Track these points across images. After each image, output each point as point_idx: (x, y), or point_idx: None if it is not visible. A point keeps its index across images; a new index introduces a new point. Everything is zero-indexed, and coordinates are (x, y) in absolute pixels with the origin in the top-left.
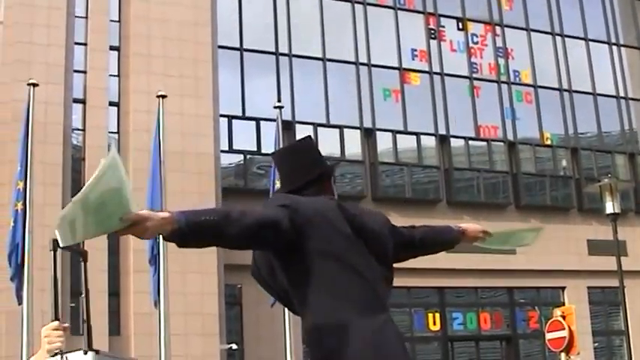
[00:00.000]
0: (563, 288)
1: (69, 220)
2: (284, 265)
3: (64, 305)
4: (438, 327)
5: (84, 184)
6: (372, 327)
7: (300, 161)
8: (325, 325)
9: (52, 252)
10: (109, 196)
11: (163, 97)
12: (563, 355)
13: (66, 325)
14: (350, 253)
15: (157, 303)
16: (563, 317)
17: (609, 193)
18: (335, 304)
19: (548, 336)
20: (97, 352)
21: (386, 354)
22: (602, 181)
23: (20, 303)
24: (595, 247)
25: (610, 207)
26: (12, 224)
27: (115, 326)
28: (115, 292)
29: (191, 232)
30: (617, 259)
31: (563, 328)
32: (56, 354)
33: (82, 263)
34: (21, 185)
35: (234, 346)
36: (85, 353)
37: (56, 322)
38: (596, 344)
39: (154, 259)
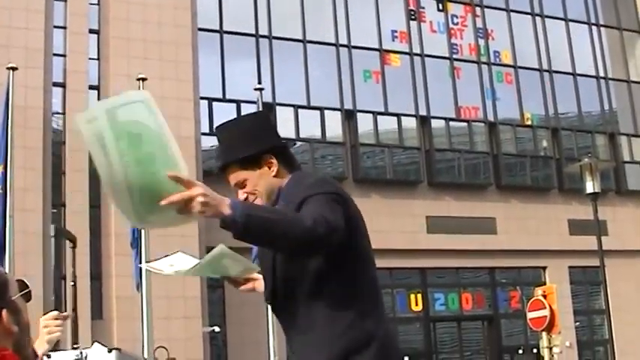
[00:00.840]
0: (544, 268)
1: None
2: (327, 266)
3: (46, 291)
4: (420, 307)
5: (64, 169)
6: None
7: (264, 126)
8: (386, 334)
9: (54, 239)
10: (149, 136)
11: (143, 80)
12: (544, 334)
13: (65, 314)
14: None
15: (139, 286)
16: (544, 296)
17: (589, 172)
18: (381, 309)
19: (530, 315)
20: (119, 350)
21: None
22: (582, 160)
23: None
24: (576, 227)
25: (590, 187)
26: None
27: (98, 310)
28: (96, 276)
29: (251, 223)
30: (597, 238)
31: (544, 308)
32: (75, 348)
33: (72, 249)
34: (0, 169)
35: (217, 329)
36: (110, 352)
37: (55, 312)
38: (577, 323)
39: (136, 242)
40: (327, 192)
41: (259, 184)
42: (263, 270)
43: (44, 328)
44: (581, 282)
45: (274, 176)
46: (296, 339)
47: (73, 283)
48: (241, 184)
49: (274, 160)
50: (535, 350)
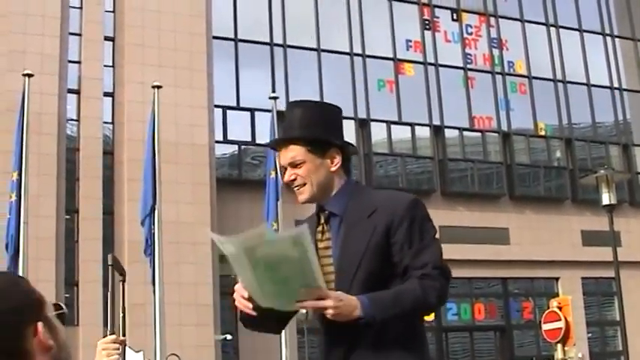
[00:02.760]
0: (557, 278)
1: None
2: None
3: (58, 296)
4: (432, 317)
5: (78, 176)
6: None
7: (341, 122)
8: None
9: (110, 267)
10: (287, 264)
11: (158, 87)
12: (559, 346)
13: (123, 338)
14: None
15: (153, 293)
16: (560, 308)
17: (605, 184)
18: None
19: (545, 327)
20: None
21: None
22: (597, 172)
23: None
24: (589, 238)
25: (606, 198)
26: (7, 216)
27: (110, 316)
28: (109, 283)
29: (382, 321)
30: (613, 250)
31: (560, 319)
32: None
33: (122, 283)
34: (15, 176)
35: (229, 337)
36: (137, 352)
37: (113, 336)
38: (589, 334)
39: (150, 250)
40: (429, 219)
41: (315, 173)
42: (338, 278)
43: (103, 350)
44: (593, 293)
45: (332, 172)
46: (361, 354)
47: (123, 315)
48: (296, 165)
49: (339, 158)
50: None
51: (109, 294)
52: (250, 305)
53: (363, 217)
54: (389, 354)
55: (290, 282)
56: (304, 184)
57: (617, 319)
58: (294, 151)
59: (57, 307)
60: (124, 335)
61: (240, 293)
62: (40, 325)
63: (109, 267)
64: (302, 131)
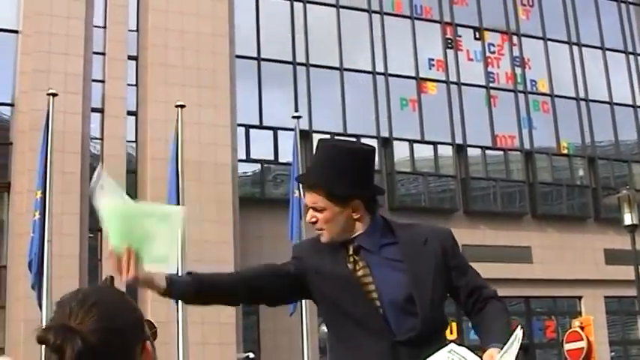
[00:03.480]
0: (580, 297)
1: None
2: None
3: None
4: (454, 336)
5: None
6: None
7: (368, 168)
8: None
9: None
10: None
11: (182, 107)
12: None
13: None
14: None
15: (176, 311)
16: (582, 328)
17: (627, 204)
18: None
19: (567, 346)
20: None
21: None
22: (619, 191)
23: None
24: (612, 257)
25: (628, 218)
26: (31, 234)
27: None
28: (133, 300)
29: None
30: (635, 269)
31: (582, 339)
32: None
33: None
34: (39, 195)
35: (251, 355)
36: None
37: None
38: (612, 354)
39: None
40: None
41: (333, 221)
42: (420, 300)
43: None
44: (616, 312)
45: (353, 220)
46: None
47: None
48: (317, 209)
49: (361, 208)
50: None
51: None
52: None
53: (420, 245)
54: None
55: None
56: (323, 230)
57: None
58: (316, 198)
59: (149, 324)
60: None
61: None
62: (148, 343)
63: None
64: (324, 181)
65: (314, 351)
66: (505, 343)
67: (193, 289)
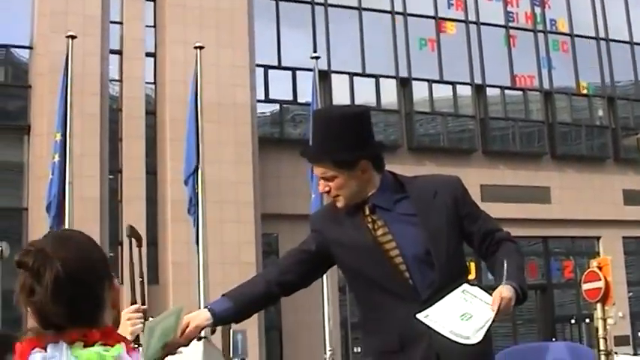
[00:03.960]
0: (598, 238)
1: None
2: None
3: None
4: (473, 276)
5: (121, 136)
6: None
7: (367, 128)
8: None
9: (129, 238)
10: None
11: (201, 48)
12: (599, 305)
13: (144, 307)
14: None
15: (196, 252)
16: (600, 268)
17: None
18: None
19: (585, 287)
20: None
21: None
22: (638, 132)
23: None
24: (631, 197)
25: None
26: (50, 176)
27: (154, 276)
28: (153, 242)
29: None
30: None
31: (599, 279)
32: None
33: (138, 248)
34: (58, 137)
35: None
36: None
37: (136, 305)
38: (630, 294)
39: (194, 209)
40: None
41: (346, 186)
42: (435, 252)
43: (127, 320)
44: (634, 252)
45: (364, 180)
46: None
47: (141, 280)
48: (328, 179)
49: (370, 166)
50: (588, 320)
51: (129, 264)
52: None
53: (430, 199)
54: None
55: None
56: (338, 196)
57: None
58: (324, 168)
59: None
60: (143, 303)
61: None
62: (115, 280)
63: (128, 237)
64: (328, 151)
65: (333, 289)
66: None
67: (235, 316)
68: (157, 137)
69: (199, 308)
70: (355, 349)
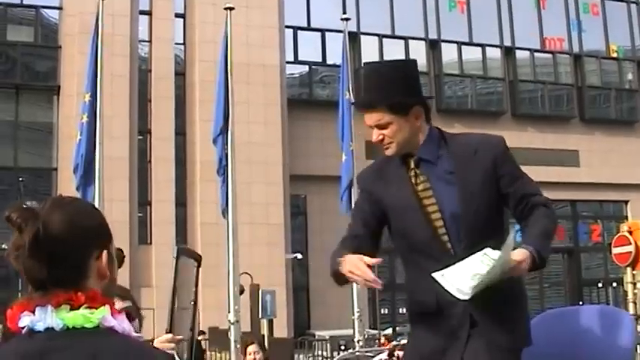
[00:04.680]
0: (626, 202)
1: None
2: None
3: (131, 216)
4: None
5: (149, 97)
6: None
7: (417, 76)
8: None
9: (175, 260)
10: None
11: (231, 9)
12: (628, 269)
13: (179, 337)
14: None
15: (224, 213)
16: (630, 232)
17: None
18: None
19: (615, 251)
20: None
21: None
22: None
23: None
24: None
25: None
26: (78, 137)
27: (182, 236)
28: (181, 202)
29: (546, 256)
30: None
31: (630, 243)
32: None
33: (195, 268)
34: (88, 97)
35: (299, 256)
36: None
37: (169, 335)
38: None
39: (223, 170)
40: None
41: (400, 132)
42: (464, 211)
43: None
44: None
45: (417, 127)
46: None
47: (193, 302)
48: (383, 126)
49: (422, 114)
50: (615, 284)
51: (171, 289)
52: (377, 280)
53: (470, 156)
54: (504, 296)
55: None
56: (391, 142)
57: None
58: (379, 115)
59: (119, 250)
60: (192, 326)
61: (360, 264)
62: (105, 252)
63: (174, 259)
64: (384, 96)
65: None
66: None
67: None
68: (185, 98)
69: (228, 268)
70: (382, 311)
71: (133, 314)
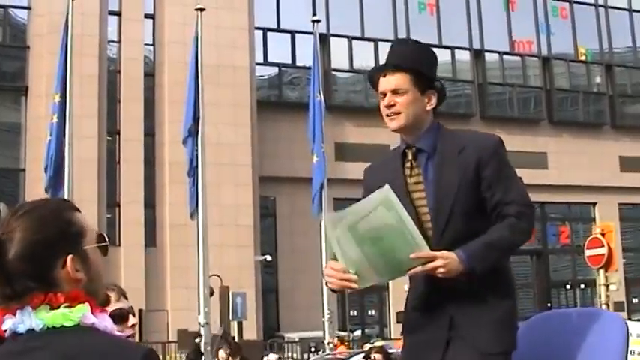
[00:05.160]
0: (594, 204)
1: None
2: None
3: (100, 217)
4: None
5: (119, 97)
6: None
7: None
8: None
9: (216, 348)
10: (388, 233)
11: (202, 10)
12: (601, 271)
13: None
14: None
15: (193, 214)
16: (603, 234)
17: None
18: None
19: (587, 252)
20: None
21: None
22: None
23: None
24: (627, 164)
25: None
26: (49, 137)
27: (151, 237)
28: (150, 204)
29: (481, 269)
30: None
31: (602, 245)
32: None
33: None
34: (57, 98)
35: (269, 257)
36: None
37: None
38: (624, 260)
39: (193, 171)
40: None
41: (413, 105)
42: (435, 211)
43: None
44: (630, 219)
45: (426, 111)
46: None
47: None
48: (398, 92)
49: (434, 100)
50: (583, 286)
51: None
52: (353, 284)
53: (454, 154)
54: (488, 299)
55: (397, 250)
56: (399, 113)
57: None
58: (400, 79)
59: (100, 237)
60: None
61: (334, 271)
62: (69, 258)
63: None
64: (413, 63)
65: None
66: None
67: None
68: (155, 99)
69: (198, 270)
70: (352, 313)
71: (132, 313)
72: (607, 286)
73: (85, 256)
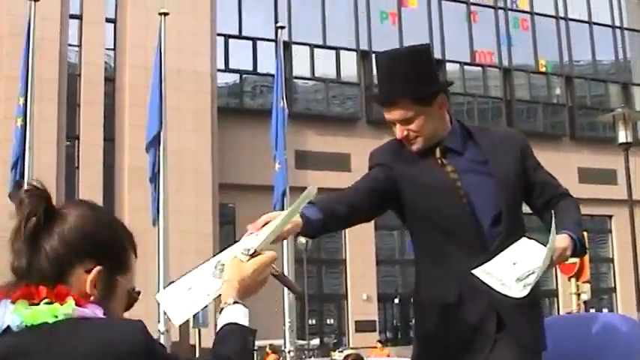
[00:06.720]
0: None
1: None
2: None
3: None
4: None
5: (79, 102)
6: None
7: (434, 62)
8: None
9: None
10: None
11: (165, 14)
12: (573, 280)
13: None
14: None
15: (155, 221)
16: None
17: (623, 122)
18: None
19: None
20: None
21: None
22: (615, 110)
23: None
24: (586, 176)
25: (623, 136)
26: (14, 140)
27: None
28: (110, 209)
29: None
30: (627, 188)
31: None
32: None
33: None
34: (22, 101)
35: None
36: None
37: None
38: None
39: (155, 177)
40: None
41: (426, 125)
42: (497, 198)
43: None
44: (589, 230)
45: (441, 116)
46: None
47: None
48: (408, 121)
49: (445, 101)
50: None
51: None
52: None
53: (498, 147)
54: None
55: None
56: (417, 137)
57: (611, 256)
58: (403, 108)
59: (135, 291)
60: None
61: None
62: (97, 269)
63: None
64: (406, 89)
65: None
66: (576, 234)
67: (320, 230)
68: (115, 104)
69: (158, 277)
70: (311, 321)
71: None
72: (578, 295)
73: (112, 282)
